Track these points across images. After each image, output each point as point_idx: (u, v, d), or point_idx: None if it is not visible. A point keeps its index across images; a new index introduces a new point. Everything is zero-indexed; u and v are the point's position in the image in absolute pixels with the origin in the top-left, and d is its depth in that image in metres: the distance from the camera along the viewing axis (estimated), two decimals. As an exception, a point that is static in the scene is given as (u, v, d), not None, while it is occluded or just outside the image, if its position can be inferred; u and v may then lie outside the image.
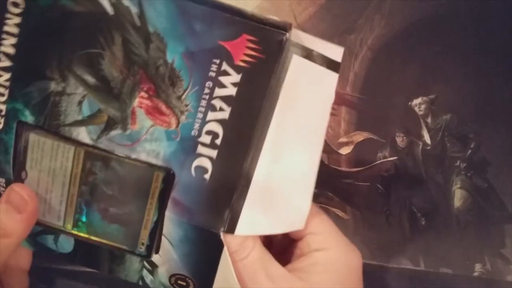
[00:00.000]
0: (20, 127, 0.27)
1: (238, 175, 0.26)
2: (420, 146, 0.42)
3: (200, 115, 0.25)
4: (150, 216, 0.28)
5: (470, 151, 0.42)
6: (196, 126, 0.25)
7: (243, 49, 0.24)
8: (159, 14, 0.24)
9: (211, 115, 0.25)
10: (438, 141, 0.42)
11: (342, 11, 0.48)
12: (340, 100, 0.44)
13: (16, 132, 0.27)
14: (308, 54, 0.25)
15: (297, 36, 0.25)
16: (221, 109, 0.25)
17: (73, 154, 0.27)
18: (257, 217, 0.27)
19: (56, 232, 0.30)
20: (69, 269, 0.39)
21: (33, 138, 0.27)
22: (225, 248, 0.27)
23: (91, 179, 0.28)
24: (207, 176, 0.26)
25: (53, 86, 0.26)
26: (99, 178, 0.28)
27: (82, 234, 0.29)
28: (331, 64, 0.26)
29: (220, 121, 0.25)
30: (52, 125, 0.26)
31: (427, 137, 0.42)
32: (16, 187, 0.27)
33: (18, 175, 0.28)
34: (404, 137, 0.42)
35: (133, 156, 0.26)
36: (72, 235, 0.29)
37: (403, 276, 0.38)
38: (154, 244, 0.29)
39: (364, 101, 0.44)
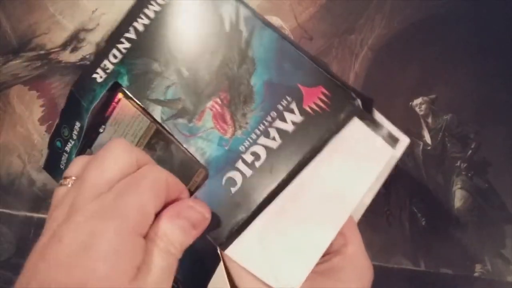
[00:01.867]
0: (116, 88, 0.32)
1: (257, 202, 0.27)
2: (421, 146, 0.42)
3: (253, 136, 0.28)
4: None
5: (470, 151, 0.42)
6: (246, 143, 0.28)
7: (315, 98, 0.27)
8: (261, 45, 0.28)
9: (262, 140, 0.28)
10: (439, 141, 0.42)
11: (343, 11, 0.47)
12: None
13: (110, 89, 0.31)
14: (371, 123, 0.28)
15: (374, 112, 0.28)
16: (273, 139, 0.27)
17: (147, 127, 0.31)
18: (252, 251, 0.27)
19: None
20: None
21: (123, 102, 0.32)
22: (221, 263, 0.27)
23: (150, 154, 0.31)
24: (233, 189, 0.27)
25: (155, 66, 0.30)
26: (156, 154, 0.31)
27: None
28: (390, 140, 0.28)
29: (268, 148, 0.27)
30: (138, 95, 0.31)
31: (427, 137, 0.42)
32: (196, 205, 0.26)
33: (97, 126, 0.32)
34: (405, 137, 0.42)
35: (185, 145, 0.29)
36: None
37: (404, 277, 0.38)
38: None
39: (365, 101, 0.44)
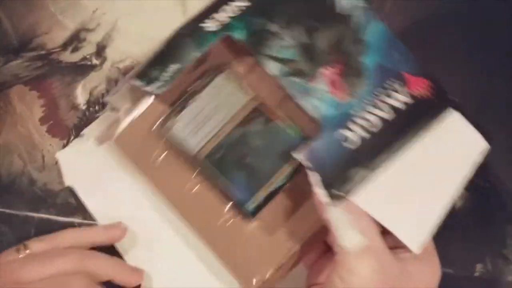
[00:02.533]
0: (218, 70, 0.35)
1: (376, 161, 0.30)
2: (421, 146, 0.42)
3: (363, 105, 0.31)
4: (277, 180, 0.33)
5: (471, 151, 0.42)
6: (357, 109, 0.31)
7: (419, 86, 0.32)
8: (375, 32, 0.34)
9: (372, 109, 0.31)
10: (439, 141, 0.42)
11: (343, 11, 0.47)
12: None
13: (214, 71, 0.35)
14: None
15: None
16: (383, 111, 0.31)
17: (245, 102, 0.34)
18: (381, 200, 0.29)
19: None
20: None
21: (221, 78, 0.35)
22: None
23: (248, 127, 0.34)
24: (347, 145, 0.30)
25: (273, 27, 0.33)
26: (254, 129, 0.34)
27: (208, 167, 0.34)
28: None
29: (382, 119, 0.31)
30: (254, 48, 0.33)
31: (428, 137, 0.42)
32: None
33: (188, 98, 0.35)
34: (405, 137, 0.42)
35: (301, 101, 0.32)
36: (198, 163, 0.34)
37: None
38: (265, 205, 0.32)
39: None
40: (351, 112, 0.31)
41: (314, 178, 0.29)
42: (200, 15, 0.34)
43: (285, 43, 0.33)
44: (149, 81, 0.34)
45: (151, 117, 0.36)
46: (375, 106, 0.31)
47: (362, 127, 0.31)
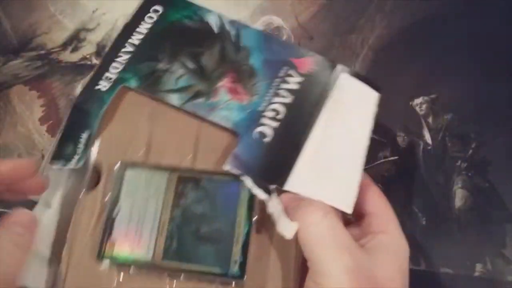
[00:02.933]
0: (120, 168, 0.32)
1: (295, 143, 0.31)
2: (421, 146, 0.42)
3: (267, 98, 0.33)
4: (241, 229, 0.30)
5: (471, 151, 0.42)
6: (263, 104, 0.33)
7: (307, 65, 0.34)
8: (250, 38, 0.36)
9: (276, 99, 0.33)
10: (439, 141, 0.42)
11: (344, 11, 0.48)
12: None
13: (117, 174, 0.32)
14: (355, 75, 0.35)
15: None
16: (284, 97, 0.33)
17: (167, 180, 0.32)
18: (308, 179, 0.30)
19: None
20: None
21: (130, 173, 0.32)
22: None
23: (183, 201, 0.31)
24: (266, 140, 0.31)
25: (161, 65, 0.35)
26: (190, 198, 0.31)
27: (172, 264, 0.30)
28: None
29: (284, 104, 0.32)
30: (151, 89, 0.34)
31: (428, 137, 0.42)
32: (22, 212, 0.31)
33: (110, 213, 0.32)
34: (405, 137, 0.42)
35: (210, 117, 0.32)
36: (161, 268, 0.30)
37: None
38: (246, 261, 0.30)
39: (365, 101, 0.44)
40: (259, 109, 0.32)
41: (248, 182, 0.29)
42: (93, 79, 0.35)
43: (177, 74, 0.34)
44: (66, 159, 0.33)
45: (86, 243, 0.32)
46: (277, 95, 0.33)
47: (272, 118, 0.32)
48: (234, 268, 0.30)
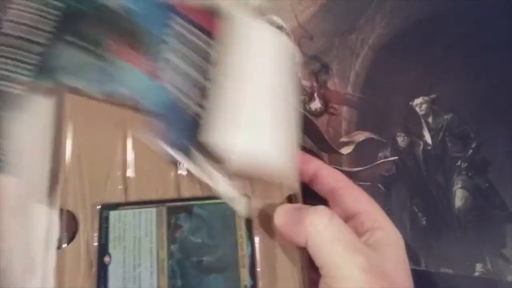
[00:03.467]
0: (101, 212, 0.28)
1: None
2: (421, 146, 0.42)
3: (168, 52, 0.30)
4: (244, 251, 0.29)
5: (471, 151, 0.42)
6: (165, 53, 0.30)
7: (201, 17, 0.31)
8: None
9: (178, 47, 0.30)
10: (439, 141, 0.42)
11: (343, 11, 0.48)
12: (341, 99, 0.44)
13: (99, 219, 0.28)
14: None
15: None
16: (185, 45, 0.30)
17: (156, 215, 0.29)
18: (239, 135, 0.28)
19: None
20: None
21: (114, 215, 0.29)
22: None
23: (178, 234, 0.29)
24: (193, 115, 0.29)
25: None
26: (185, 229, 0.29)
27: None
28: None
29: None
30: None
31: (428, 137, 0.42)
32: None
33: (101, 264, 0.28)
34: (405, 137, 0.42)
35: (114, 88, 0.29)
36: None
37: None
38: (257, 282, 0.28)
39: (365, 101, 0.44)
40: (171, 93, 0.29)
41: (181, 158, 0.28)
42: None
43: (76, 58, 0.29)
44: None
45: None
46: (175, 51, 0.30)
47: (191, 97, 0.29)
48: None
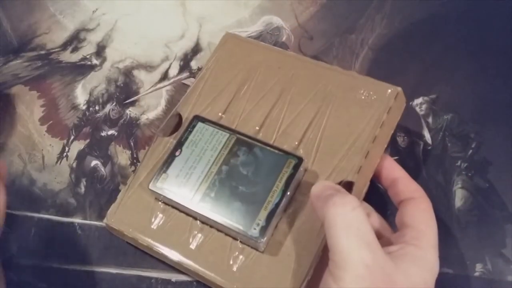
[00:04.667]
0: (193, 118, 0.38)
1: None
2: (421, 146, 0.42)
3: None
4: (273, 198, 0.33)
5: (471, 151, 0.42)
6: None
7: None
8: None
9: None
10: (439, 141, 0.42)
11: (343, 11, 0.48)
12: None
13: (189, 123, 0.38)
14: None
15: None
16: None
17: (226, 139, 0.36)
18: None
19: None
20: (69, 268, 0.39)
21: (199, 125, 0.37)
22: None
23: (233, 160, 0.35)
24: None
25: None
26: (240, 160, 0.35)
27: (203, 211, 0.34)
28: None
29: None
30: None
31: (428, 137, 0.42)
32: None
33: (173, 152, 0.37)
34: (405, 137, 0.42)
35: None
36: (195, 212, 0.34)
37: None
38: (269, 225, 0.32)
39: (365, 101, 0.44)
40: None
41: None
42: None
43: None
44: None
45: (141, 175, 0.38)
46: None
47: None
48: (256, 230, 0.32)
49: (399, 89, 0.36)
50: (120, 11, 0.49)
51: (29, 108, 0.45)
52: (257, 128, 0.37)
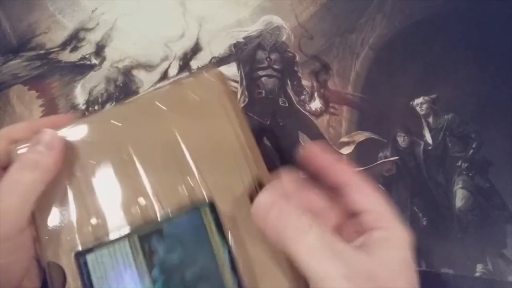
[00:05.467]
0: (77, 258, 0.29)
1: None
2: (422, 146, 0.42)
3: None
4: (221, 255, 0.29)
5: (471, 151, 0.42)
6: None
7: None
8: None
9: None
10: (440, 141, 0.42)
11: (344, 11, 0.47)
12: (341, 99, 0.44)
13: (78, 265, 0.29)
14: None
15: None
16: None
17: (129, 247, 0.29)
18: None
19: None
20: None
21: (90, 257, 0.29)
22: None
23: (156, 258, 0.29)
24: None
25: None
26: (161, 251, 0.29)
27: None
28: None
29: None
30: None
31: (428, 137, 0.42)
32: (44, 132, 0.31)
33: None
34: (406, 137, 0.42)
35: None
36: None
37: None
38: (241, 281, 0.29)
39: (366, 101, 0.44)
40: None
41: None
42: None
43: None
44: None
45: None
46: None
47: None
48: None
49: (216, 69, 0.32)
50: (119, 11, 0.49)
51: (28, 108, 0.45)
52: (138, 211, 0.30)
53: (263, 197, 0.28)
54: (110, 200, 0.30)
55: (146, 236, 0.30)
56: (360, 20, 0.47)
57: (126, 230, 0.30)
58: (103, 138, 0.31)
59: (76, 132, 0.31)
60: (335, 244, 0.27)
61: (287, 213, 0.28)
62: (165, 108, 0.31)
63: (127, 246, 0.29)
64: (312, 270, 0.26)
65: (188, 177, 0.30)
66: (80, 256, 0.29)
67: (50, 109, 0.45)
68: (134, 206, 0.30)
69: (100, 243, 0.30)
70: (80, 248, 0.30)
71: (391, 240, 0.28)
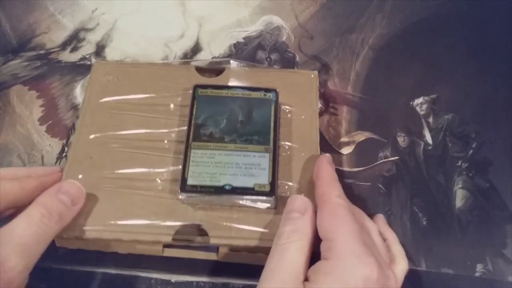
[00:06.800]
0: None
1: None
2: (422, 146, 0.42)
3: None
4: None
5: (471, 151, 0.42)
6: None
7: None
8: None
9: None
10: (440, 141, 0.42)
11: (344, 10, 0.48)
12: (341, 99, 0.44)
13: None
14: None
15: None
16: None
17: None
18: None
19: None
20: (68, 268, 0.39)
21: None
22: None
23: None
24: None
25: None
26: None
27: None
28: None
29: None
30: None
31: (428, 137, 0.42)
32: (71, 183, 0.33)
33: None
34: (406, 137, 0.42)
35: None
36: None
37: (404, 276, 0.38)
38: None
39: (366, 101, 0.44)
40: None
41: None
42: None
43: None
44: None
45: None
46: None
47: None
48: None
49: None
50: (119, 11, 0.49)
51: (28, 108, 0.45)
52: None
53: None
54: None
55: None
56: (360, 20, 0.47)
57: None
58: None
59: None
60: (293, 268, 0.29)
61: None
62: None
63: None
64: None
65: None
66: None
67: (50, 109, 0.45)
68: None
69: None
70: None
71: (334, 273, 0.28)
